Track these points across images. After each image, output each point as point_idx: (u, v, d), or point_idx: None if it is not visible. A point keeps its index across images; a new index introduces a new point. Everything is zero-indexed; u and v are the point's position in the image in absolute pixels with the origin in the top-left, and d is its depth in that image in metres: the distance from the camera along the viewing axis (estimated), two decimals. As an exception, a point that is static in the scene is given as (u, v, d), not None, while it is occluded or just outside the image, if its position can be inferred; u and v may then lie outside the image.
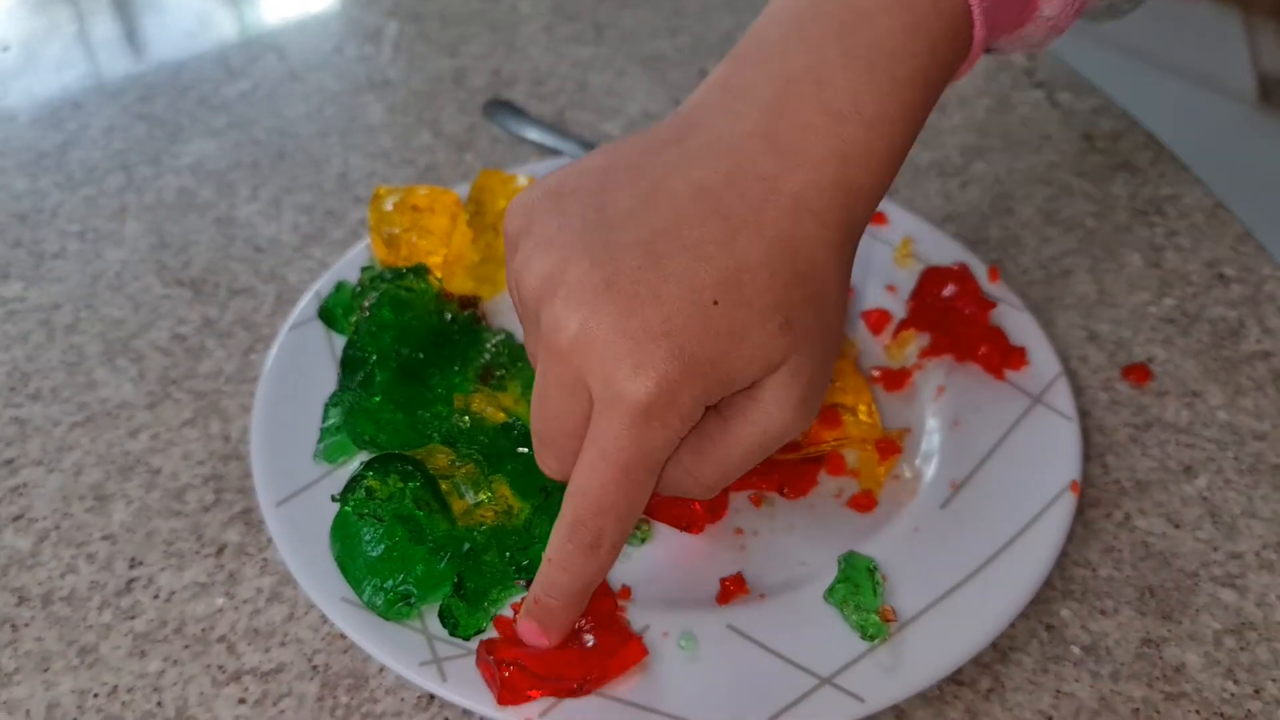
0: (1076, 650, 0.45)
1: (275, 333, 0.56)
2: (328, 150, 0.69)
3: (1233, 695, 0.44)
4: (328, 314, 0.53)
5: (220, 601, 0.46)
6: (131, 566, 0.47)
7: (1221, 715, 0.43)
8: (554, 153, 0.67)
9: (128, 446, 0.52)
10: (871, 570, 0.44)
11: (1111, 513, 0.50)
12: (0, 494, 0.50)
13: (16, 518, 0.49)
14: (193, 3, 0.84)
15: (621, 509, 0.37)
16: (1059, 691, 0.43)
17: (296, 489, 0.46)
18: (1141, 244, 0.63)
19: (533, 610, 0.39)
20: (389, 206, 0.55)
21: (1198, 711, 0.43)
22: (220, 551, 0.47)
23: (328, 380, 0.51)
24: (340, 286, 0.54)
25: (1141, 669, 0.44)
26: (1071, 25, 0.42)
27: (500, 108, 0.71)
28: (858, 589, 0.43)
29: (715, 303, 0.35)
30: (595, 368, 0.35)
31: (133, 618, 0.45)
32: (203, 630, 0.45)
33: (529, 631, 0.40)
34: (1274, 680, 0.44)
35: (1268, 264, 0.62)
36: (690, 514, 0.46)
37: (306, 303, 0.54)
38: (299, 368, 0.52)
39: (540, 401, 0.38)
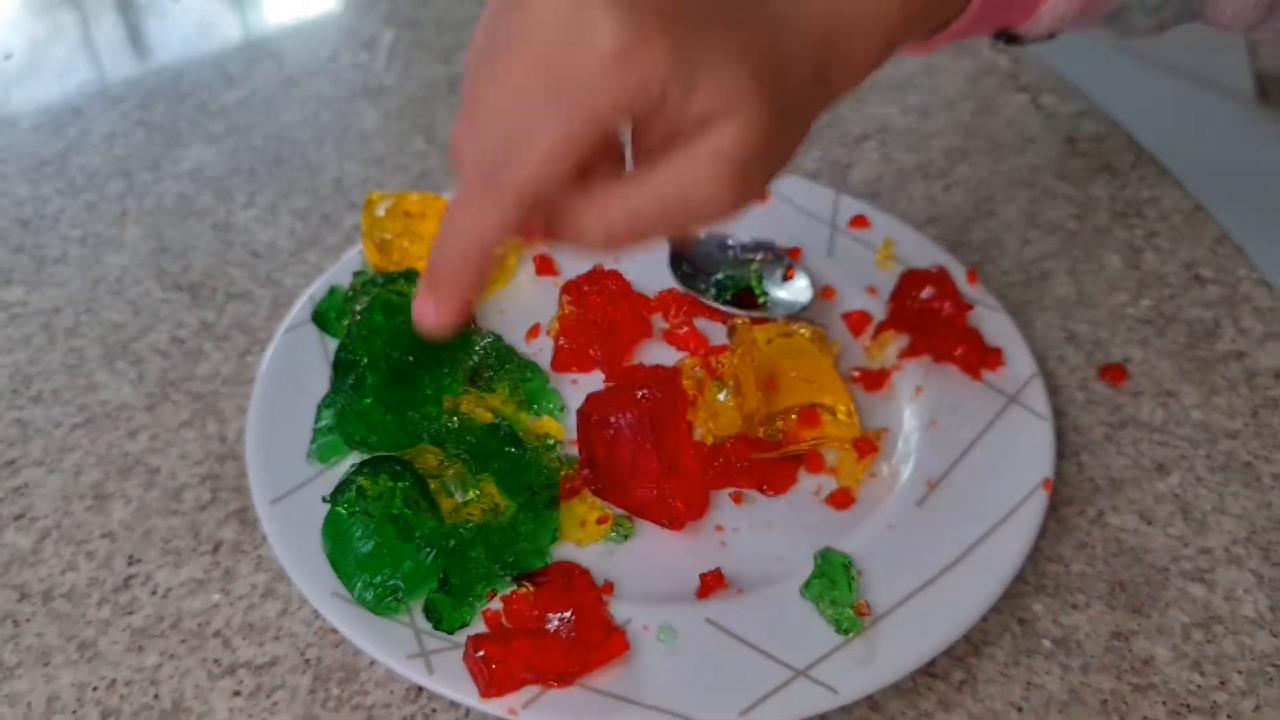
0: (1048, 643, 0.46)
1: (271, 336, 0.57)
2: (323, 156, 0.70)
3: (1199, 687, 0.45)
4: (321, 318, 0.55)
5: (216, 597, 0.47)
6: (130, 564, 0.48)
7: (1188, 706, 0.44)
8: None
9: (127, 447, 0.53)
10: (847, 566, 0.45)
11: (1085, 509, 0.51)
12: (2, 494, 0.51)
13: (18, 517, 0.50)
14: (192, 9, 0.85)
15: (536, 173, 0.34)
16: (1029, 684, 0.45)
17: (290, 488, 0.48)
18: (1121, 245, 0.64)
19: (424, 281, 0.37)
20: (381, 212, 0.57)
21: (1164, 703, 0.44)
22: (216, 549, 0.49)
23: (321, 382, 0.52)
24: (333, 291, 0.56)
25: (1111, 661, 0.45)
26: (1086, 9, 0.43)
27: (492, 113, 0.72)
28: (833, 584, 0.45)
29: (721, 20, 0.35)
30: (591, 18, 0.33)
31: (131, 613, 0.47)
32: (199, 625, 0.46)
33: (420, 307, 0.37)
34: (1240, 672, 0.45)
35: (1244, 265, 0.63)
36: (672, 511, 0.48)
37: (300, 307, 0.56)
38: (293, 370, 0.53)
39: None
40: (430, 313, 0.37)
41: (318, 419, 0.50)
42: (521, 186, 0.34)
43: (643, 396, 0.48)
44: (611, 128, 0.34)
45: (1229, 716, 0.44)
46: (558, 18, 0.33)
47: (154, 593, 0.47)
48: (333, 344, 0.54)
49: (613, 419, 0.47)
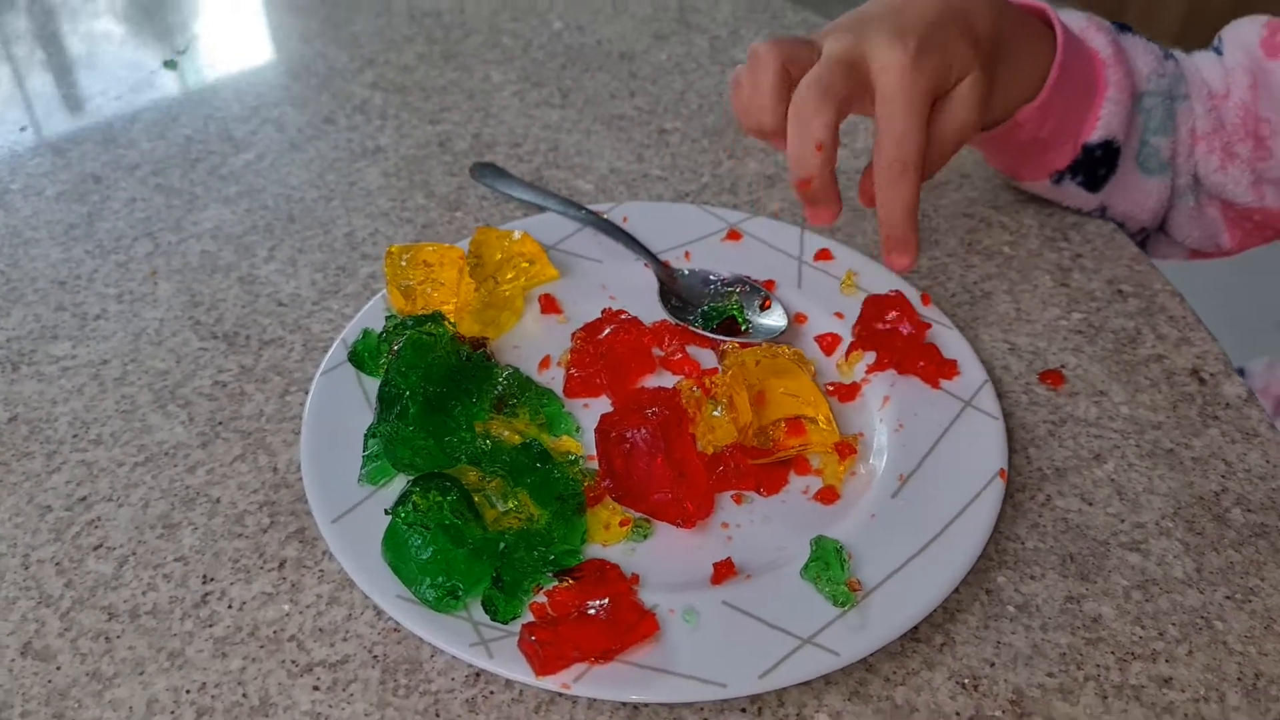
0: (1011, 609, 0.54)
1: (306, 376, 0.63)
2: (332, 213, 0.77)
3: (1140, 638, 0.52)
4: (357, 358, 0.61)
5: (286, 607, 0.53)
6: (205, 582, 0.54)
7: (1132, 654, 0.52)
8: (538, 209, 0.75)
9: (187, 481, 0.59)
10: (838, 550, 0.52)
11: (1035, 495, 0.59)
12: (79, 527, 0.57)
13: (96, 547, 0.56)
14: (192, 80, 0.91)
15: (916, 136, 0.56)
16: (999, 643, 0.52)
17: (347, 508, 0.54)
18: (1051, 266, 0.73)
19: (887, 243, 0.59)
20: (403, 262, 0.64)
21: (1113, 652, 0.52)
22: (281, 565, 0.55)
23: (361, 415, 0.59)
24: (366, 333, 0.62)
25: (1065, 621, 0.53)
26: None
27: (486, 169, 0.79)
28: (828, 566, 0.52)
29: (949, 33, 0.58)
30: (879, 44, 0.56)
31: (211, 625, 0.52)
32: (274, 632, 0.52)
33: (889, 260, 0.59)
34: (1174, 624, 0.53)
35: (1159, 280, 0.72)
36: (684, 512, 0.54)
37: (335, 350, 0.62)
38: (335, 406, 0.59)
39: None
40: (900, 259, 0.59)
41: (365, 447, 0.57)
42: (919, 166, 0.57)
43: (653, 414, 0.55)
44: (931, 102, 0.57)
45: (1167, 661, 0.51)
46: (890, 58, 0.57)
47: (230, 606, 0.53)
48: (368, 380, 0.60)
49: (628, 434, 0.54)
